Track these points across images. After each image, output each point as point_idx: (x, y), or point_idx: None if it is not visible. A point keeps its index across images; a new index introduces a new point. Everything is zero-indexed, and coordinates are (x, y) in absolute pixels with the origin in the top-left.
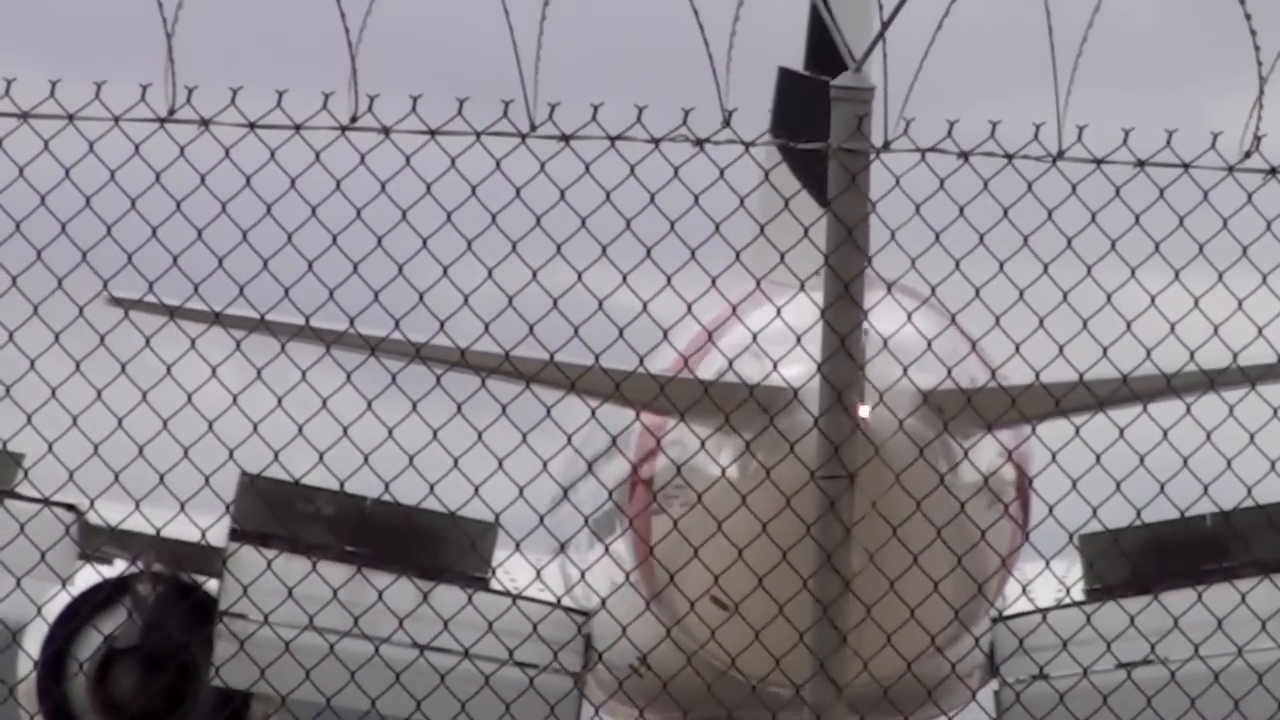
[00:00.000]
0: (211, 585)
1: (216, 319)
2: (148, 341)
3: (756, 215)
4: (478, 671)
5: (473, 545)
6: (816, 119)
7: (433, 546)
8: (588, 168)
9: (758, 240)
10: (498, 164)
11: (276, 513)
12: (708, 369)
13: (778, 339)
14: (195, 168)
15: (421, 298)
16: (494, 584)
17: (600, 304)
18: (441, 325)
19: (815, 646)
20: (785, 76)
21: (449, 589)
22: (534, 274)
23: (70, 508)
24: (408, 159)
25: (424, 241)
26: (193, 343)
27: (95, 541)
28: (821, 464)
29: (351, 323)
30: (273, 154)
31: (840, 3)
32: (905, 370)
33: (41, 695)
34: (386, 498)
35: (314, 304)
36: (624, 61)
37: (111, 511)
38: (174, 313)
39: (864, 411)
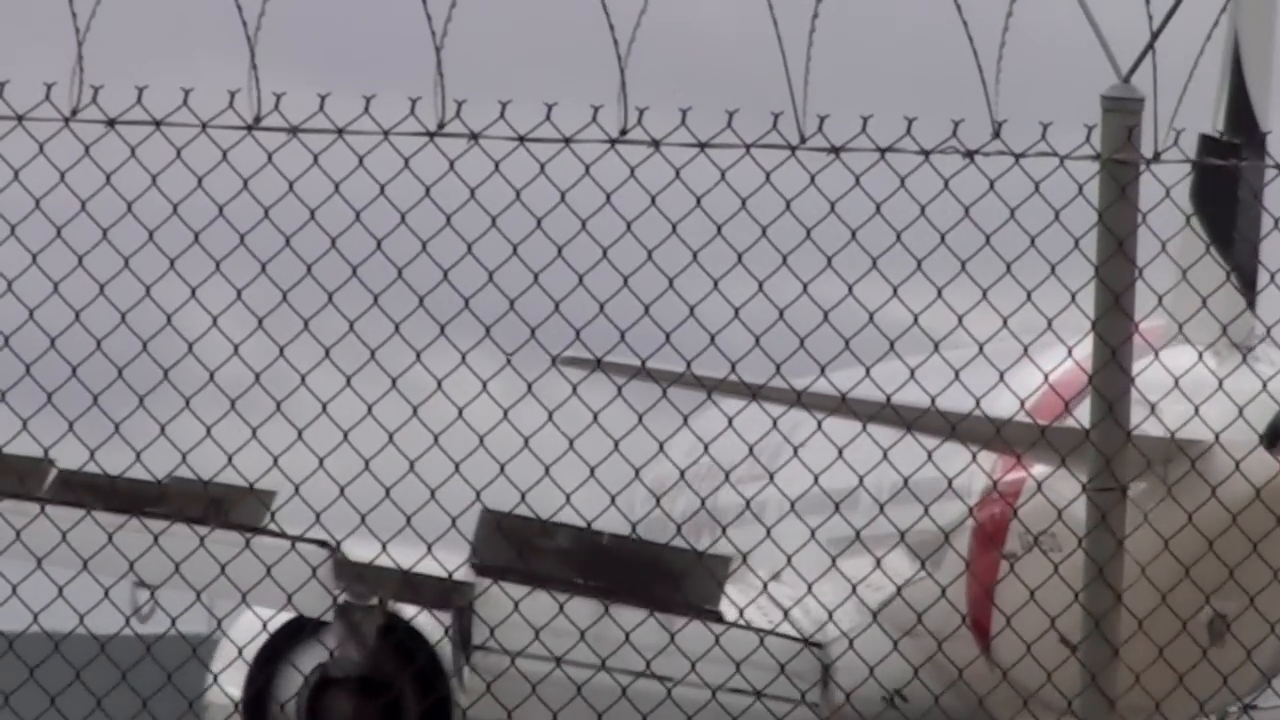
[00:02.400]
0: (421, 620)
1: (641, 370)
2: (418, 356)
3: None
4: (715, 704)
5: (712, 578)
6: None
7: (669, 580)
8: (858, 180)
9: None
10: (767, 177)
11: (517, 548)
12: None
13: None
14: (465, 181)
15: (692, 311)
16: (729, 615)
17: (871, 316)
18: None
19: (1087, 660)
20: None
21: (684, 622)
22: (804, 287)
23: (324, 545)
24: (677, 172)
25: (694, 255)
26: (463, 357)
27: (348, 579)
28: (1094, 476)
29: (689, 366)
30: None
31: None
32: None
33: None
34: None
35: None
36: (894, 73)
37: (362, 549)
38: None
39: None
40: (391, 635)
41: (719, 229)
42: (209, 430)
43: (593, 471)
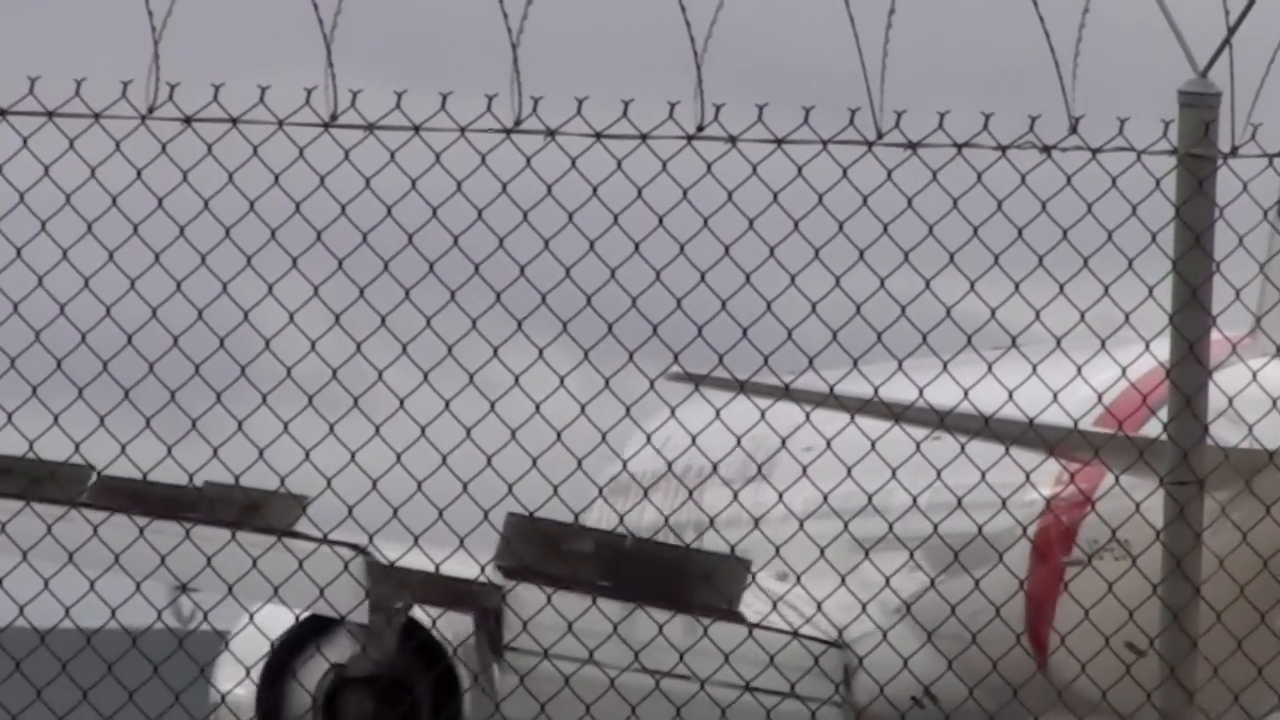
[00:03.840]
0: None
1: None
2: (495, 352)
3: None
4: (734, 704)
5: (731, 580)
6: None
7: (689, 582)
8: (934, 175)
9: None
10: (844, 172)
11: (542, 551)
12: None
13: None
14: (541, 178)
15: (769, 307)
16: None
17: (948, 311)
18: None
19: (1165, 653)
20: None
21: (707, 622)
22: (881, 282)
23: (354, 547)
24: (754, 168)
25: (770, 251)
26: (540, 353)
27: (379, 583)
28: (1170, 469)
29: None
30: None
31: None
32: None
33: None
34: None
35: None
36: (971, 69)
37: (393, 551)
38: (744, 386)
39: None
40: (410, 638)
41: (795, 225)
42: (286, 426)
43: (670, 466)
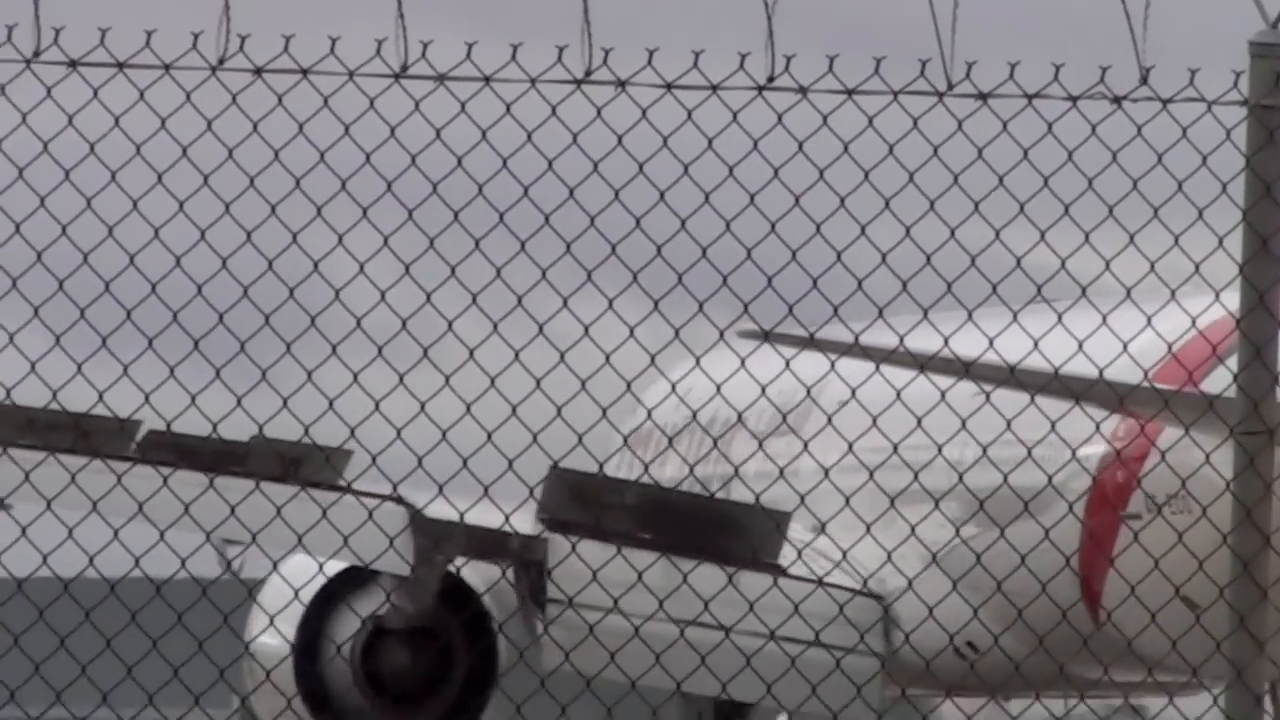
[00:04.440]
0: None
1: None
2: (565, 302)
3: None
4: (780, 653)
5: (775, 530)
6: None
7: (730, 533)
8: (1005, 126)
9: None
10: (915, 123)
11: (584, 504)
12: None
13: None
14: (612, 128)
15: (839, 257)
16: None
17: (1018, 261)
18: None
19: (1235, 602)
20: None
21: (747, 573)
22: (952, 232)
23: (399, 501)
24: (824, 119)
25: (841, 201)
26: (610, 303)
27: (422, 534)
28: (1241, 419)
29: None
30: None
31: None
32: None
33: (299, 675)
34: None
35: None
36: (1042, 20)
37: (438, 504)
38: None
39: None
40: (449, 593)
41: (866, 175)
42: (356, 377)
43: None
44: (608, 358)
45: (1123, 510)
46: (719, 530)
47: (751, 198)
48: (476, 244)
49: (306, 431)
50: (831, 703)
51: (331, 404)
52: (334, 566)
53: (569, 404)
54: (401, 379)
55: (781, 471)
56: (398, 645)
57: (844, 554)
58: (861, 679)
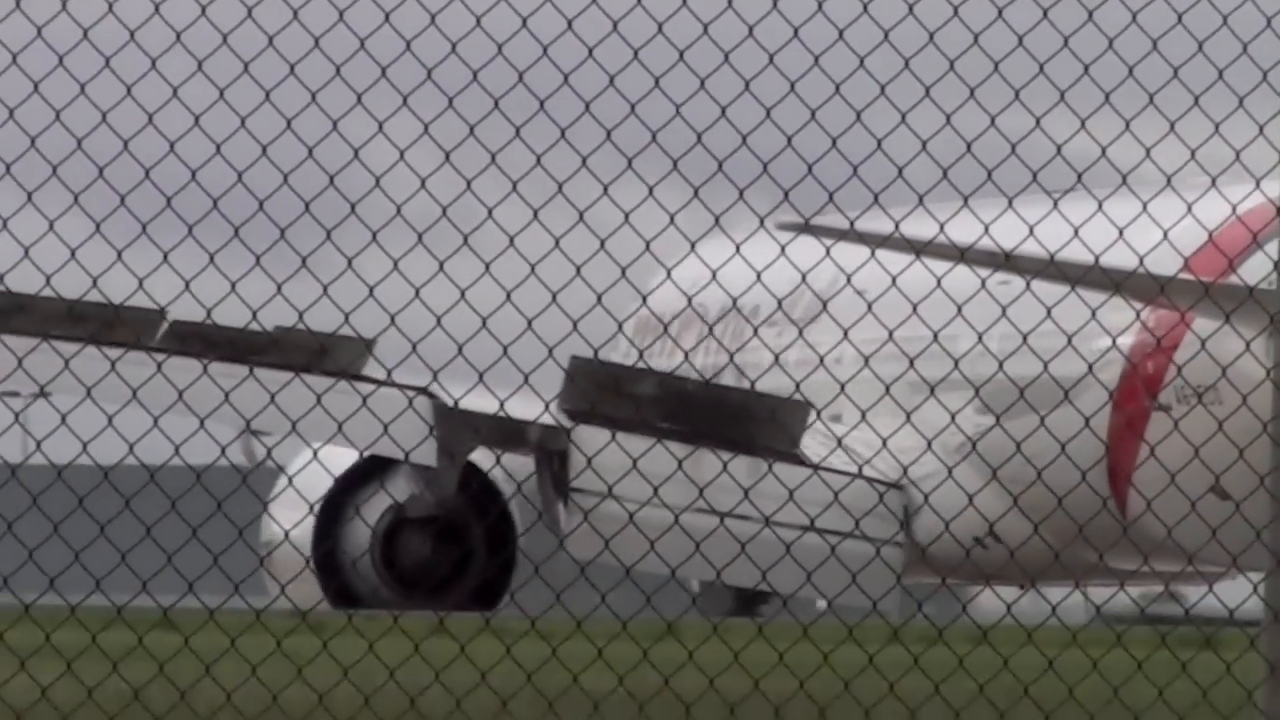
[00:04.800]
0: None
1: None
2: (605, 189)
3: None
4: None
5: (789, 422)
6: None
7: (750, 424)
8: (1045, 14)
9: None
10: (955, 11)
11: (605, 394)
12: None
13: None
14: (652, 15)
15: (880, 145)
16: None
17: (1059, 149)
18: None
19: (1276, 491)
20: None
21: (774, 464)
22: (992, 120)
23: (423, 391)
24: (865, 6)
25: (881, 89)
26: (650, 190)
27: (445, 424)
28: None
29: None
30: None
31: None
32: None
33: (319, 560)
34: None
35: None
36: None
37: (459, 393)
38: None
39: None
40: (469, 481)
41: (906, 63)
42: (396, 264)
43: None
44: (648, 245)
45: (1153, 401)
46: (740, 419)
47: (792, 85)
48: (517, 131)
49: (346, 319)
50: (852, 592)
51: (371, 290)
52: (350, 457)
53: (609, 290)
54: (441, 266)
55: (822, 360)
56: (419, 535)
57: (884, 443)
58: (886, 569)
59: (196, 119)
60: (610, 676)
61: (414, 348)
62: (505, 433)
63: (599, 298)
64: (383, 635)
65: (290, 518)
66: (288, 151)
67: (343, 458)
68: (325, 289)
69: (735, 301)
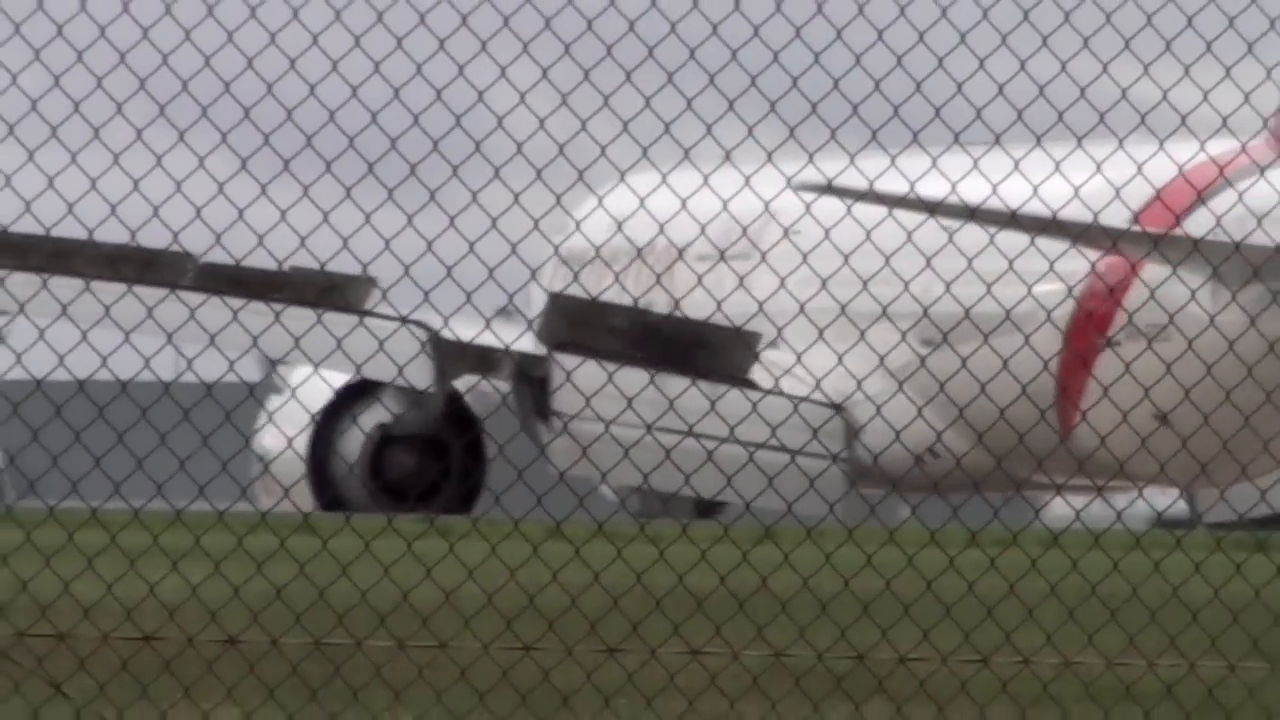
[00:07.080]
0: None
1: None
2: (709, 129)
3: None
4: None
5: (747, 350)
6: None
7: (708, 352)
8: None
9: None
10: None
11: (578, 325)
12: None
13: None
14: None
15: (959, 89)
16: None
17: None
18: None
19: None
20: None
21: (717, 387)
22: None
23: (421, 325)
24: None
25: (961, 37)
26: (750, 130)
27: (438, 353)
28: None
29: (912, 186)
30: None
31: None
32: None
33: (312, 472)
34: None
35: None
36: None
37: (462, 328)
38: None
39: None
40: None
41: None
42: (516, 197)
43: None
44: (747, 180)
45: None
46: (697, 349)
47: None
48: (628, 76)
49: (471, 248)
50: (802, 505)
51: (494, 222)
52: (340, 380)
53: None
54: (559, 199)
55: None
56: (402, 454)
57: (843, 361)
58: (835, 483)
59: (334, 64)
60: (586, 573)
61: (533, 275)
62: (489, 361)
63: (702, 228)
64: (377, 536)
65: (280, 436)
66: (418, 93)
67: (333, 381)
68: (452, 220)
69: (745, 230)
